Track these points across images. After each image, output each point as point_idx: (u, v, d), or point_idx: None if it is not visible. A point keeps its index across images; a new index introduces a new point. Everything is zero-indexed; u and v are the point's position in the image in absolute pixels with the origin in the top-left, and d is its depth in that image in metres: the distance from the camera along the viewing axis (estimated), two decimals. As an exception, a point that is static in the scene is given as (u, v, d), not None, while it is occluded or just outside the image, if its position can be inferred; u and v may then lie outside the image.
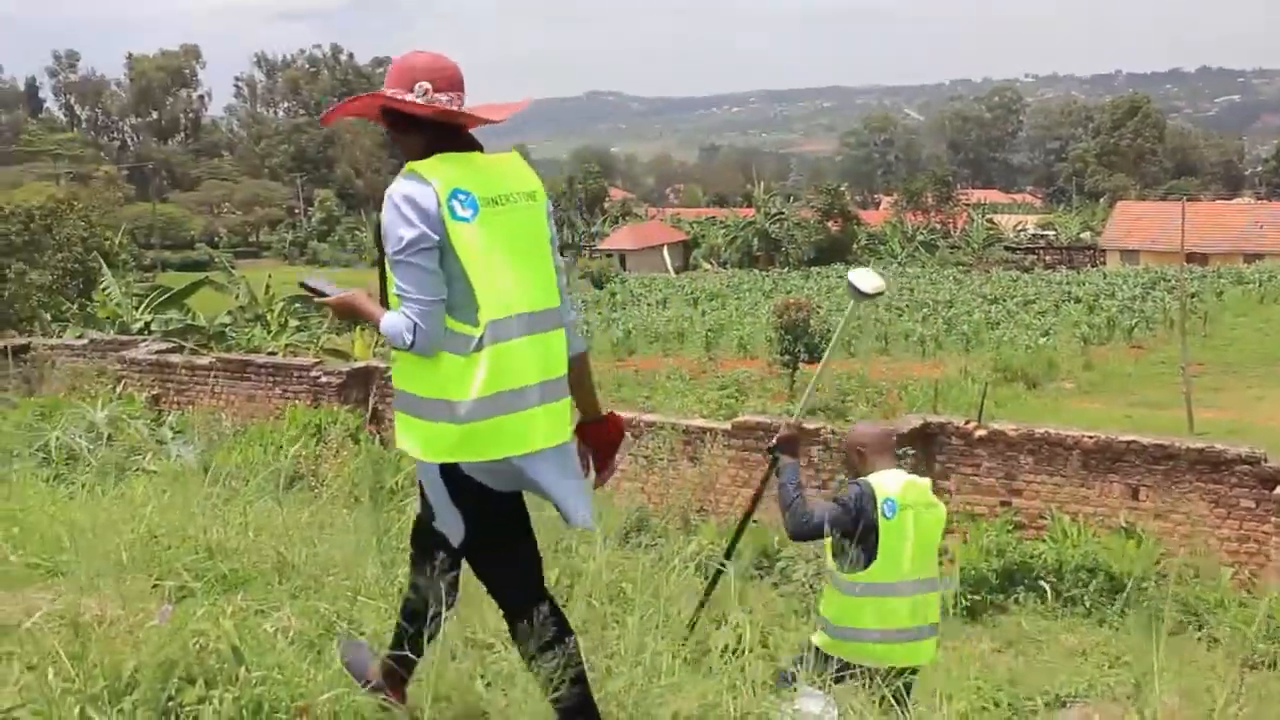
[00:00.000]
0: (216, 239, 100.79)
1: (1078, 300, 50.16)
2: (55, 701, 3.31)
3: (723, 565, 6.25)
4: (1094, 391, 31.88)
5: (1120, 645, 12.21)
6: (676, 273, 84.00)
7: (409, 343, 3.33)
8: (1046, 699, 10.54)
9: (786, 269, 77.97)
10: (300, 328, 34.41)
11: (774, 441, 6.10)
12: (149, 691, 3.44)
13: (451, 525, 3.50)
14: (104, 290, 32.45)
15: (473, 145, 3.60)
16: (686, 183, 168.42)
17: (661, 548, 13.47)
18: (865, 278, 5.73)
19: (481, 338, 3.31)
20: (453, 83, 3.54)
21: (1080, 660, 11.94)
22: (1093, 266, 72.94)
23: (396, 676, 3.71)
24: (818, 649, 5.76)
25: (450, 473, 3.41)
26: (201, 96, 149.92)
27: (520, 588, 3.68)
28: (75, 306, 35.09)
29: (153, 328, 30.20)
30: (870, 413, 26.12)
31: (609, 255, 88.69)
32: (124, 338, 26.04)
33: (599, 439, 3.76)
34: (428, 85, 3.47)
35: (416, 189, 3.35)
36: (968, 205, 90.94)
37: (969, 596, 13.84)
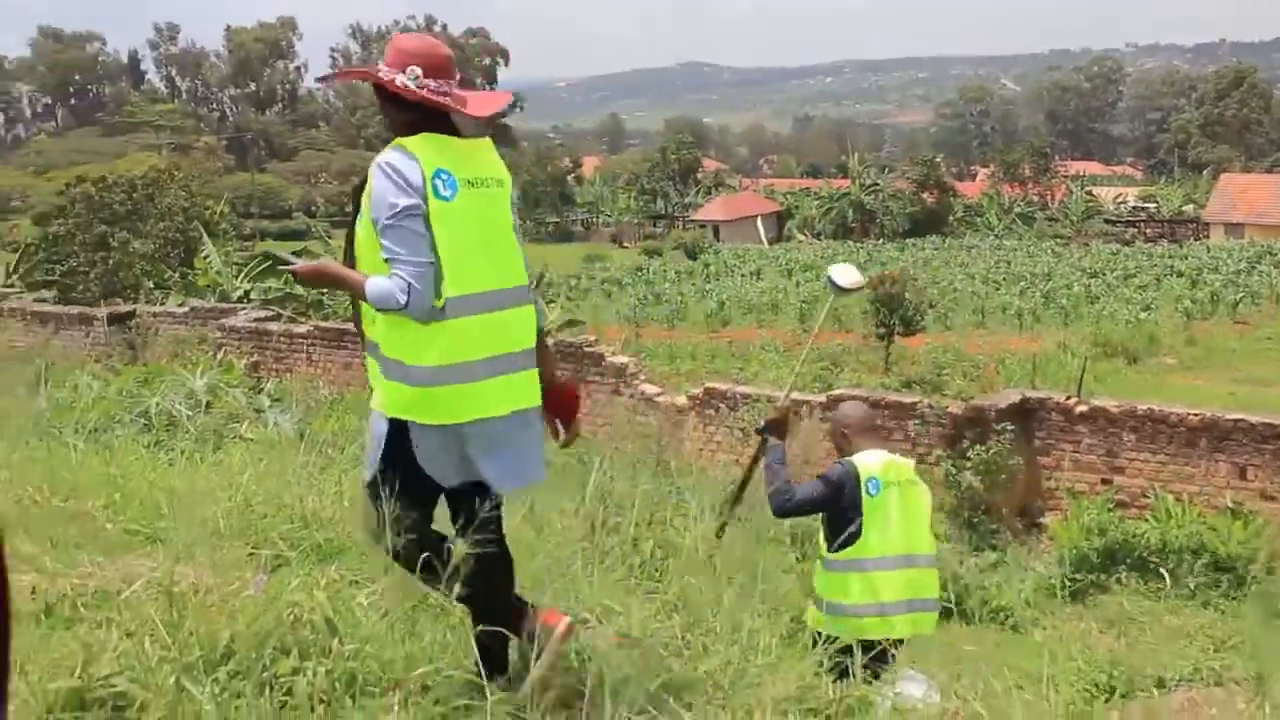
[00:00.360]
0: (313, 208, 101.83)
1: (1180, 274, 49.04)
2: (152, 670, 3.30)
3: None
4: (1196, 367, 31.20)
5: (1226, 629, 11.93)
6: (770, 244, 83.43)
7: (403, 303, 3.49)
8: (1150, 681, 10.32)
9: (881, 241, 77.20)
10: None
11: (762, 422, 6.28)
12: (244, 662, 3.42)
13: (373, 464, 3.70)
14: (204, 258, 32.87)
15: (454, 131, 3.75)
16: (780, 153, 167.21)
17: (758, 522, 13.44)
18: (844, 273, 6.24)
19: (444, 309, 3.53)
20: (442, 69, 3.73)
21: (1185, 643, 11.69)
22: (1195, 240, 71.39)
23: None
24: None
25: (396, 431, 3.61)
26: (298, 68, 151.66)
27: (423, 532, 3.74)
28: (177, 275, 35.59)
29: (252, 296, 30.57)
30: (967, 387, 25.75)
31: (702, 226, 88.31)
32: (224, 305, 26.43)
33: (557, 406, 3.98)
34: (418, 70, 3.67)
35: (405, 162, 3.57)
36: (1066, 177, 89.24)
37: (1071, 577, 13.60)
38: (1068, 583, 13.56)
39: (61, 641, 3.65)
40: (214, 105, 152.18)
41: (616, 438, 17.31)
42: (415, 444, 3.58)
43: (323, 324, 23.78)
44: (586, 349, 20.30)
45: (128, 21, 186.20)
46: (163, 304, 30.22)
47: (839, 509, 5.86)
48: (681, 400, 18.41)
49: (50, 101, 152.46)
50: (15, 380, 10.70)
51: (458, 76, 3.78)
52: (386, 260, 3.52)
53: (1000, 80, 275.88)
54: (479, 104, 3.85)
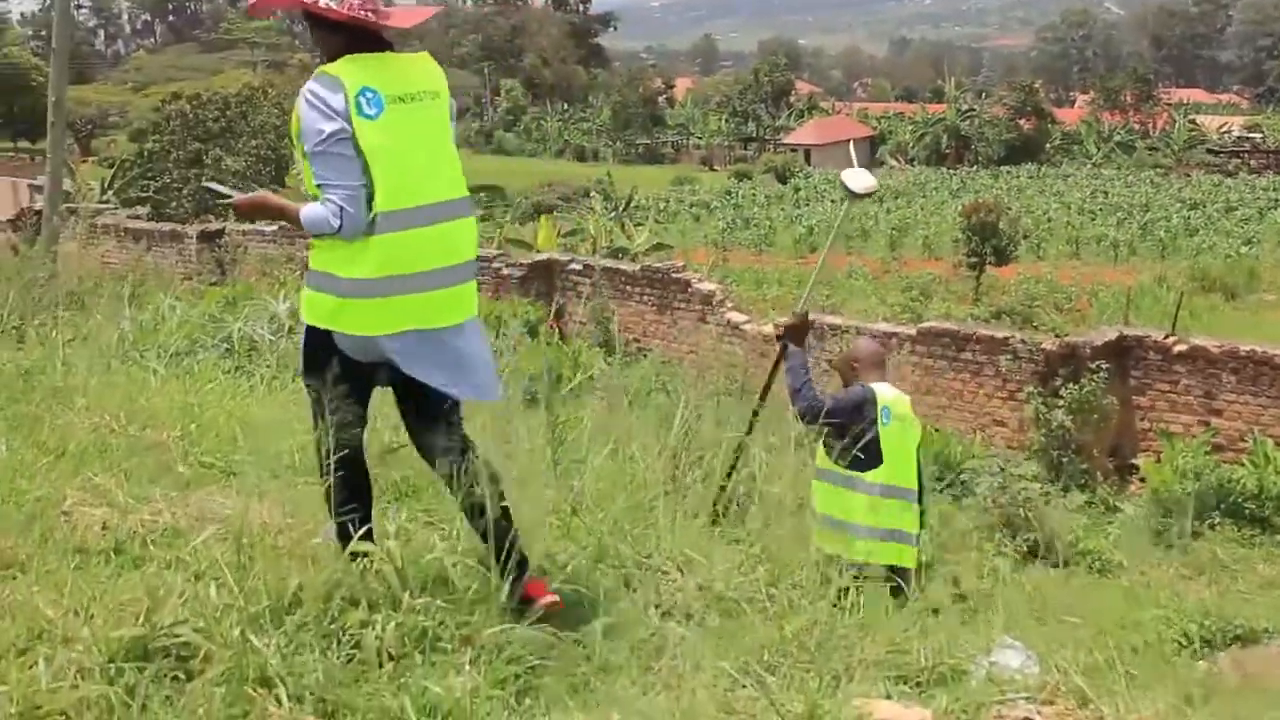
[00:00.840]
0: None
1: (1284, 207, 47.77)
2: (217, 619, 3.19)
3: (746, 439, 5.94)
4: (1298, 305, 30.37)
5: (1324, 579, 11.60)
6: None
7: (336, 227, 3.56)
8: (1240, 632, 10.04)
9: (975, 168, 75.99)
10: (484, 217, 34.69)
11: (781, 330, 6.25)
12: (311, 612, 3.31)
13: (305, 365, 3.88)
14: (294, 176, 33.02)
15: (386, 46, 3.78)
16: (874, 77, 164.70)
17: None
18: (857, 177, 5.97)
19: (375, 224, 3.56)
20: None
21: (1279, 593, 11.37)
22: (1303, 171, 69.34)
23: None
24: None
25: (320, 338, 3.73)
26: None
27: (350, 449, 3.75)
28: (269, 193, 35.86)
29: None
30: (1059, 319, 25.25)
31: (793, 150, 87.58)
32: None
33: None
34: None
35: (328, 88, 3.58)
36: (1168, 105, 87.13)
37: (1162, 521, 13.27)
38: (1158, 527, 13.23)
39: (129, 584, 3.56)
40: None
41: (701, 366, 17.16)
42: (343, 348, 3.68)
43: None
44: (673, 275, 20.10)
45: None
46: (253, 221, 30.40)
47: (857, 427, 5.84)
48: (768, 329, 18.14)
49: (149, 18, 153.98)
50: (105, 298, 10.73)
51: None
52: (318, 186, 3.61)
53: (1104, 3, 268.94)
54: (402, 18, 3.85)
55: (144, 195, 37.90)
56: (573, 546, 4.20)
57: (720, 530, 4.91)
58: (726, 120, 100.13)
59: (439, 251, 3.70)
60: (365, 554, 3.59)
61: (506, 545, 3.64)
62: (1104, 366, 15.21)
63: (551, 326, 20.01)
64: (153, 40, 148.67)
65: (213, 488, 4.80)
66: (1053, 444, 15.12)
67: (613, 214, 38.68)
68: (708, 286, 19.78)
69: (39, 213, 16.23)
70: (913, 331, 16.49)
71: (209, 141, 39.60)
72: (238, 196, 4.06)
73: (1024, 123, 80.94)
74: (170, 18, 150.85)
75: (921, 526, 6.31)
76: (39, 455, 4.97)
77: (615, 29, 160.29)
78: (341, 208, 3.53)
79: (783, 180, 72.30)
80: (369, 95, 3.57)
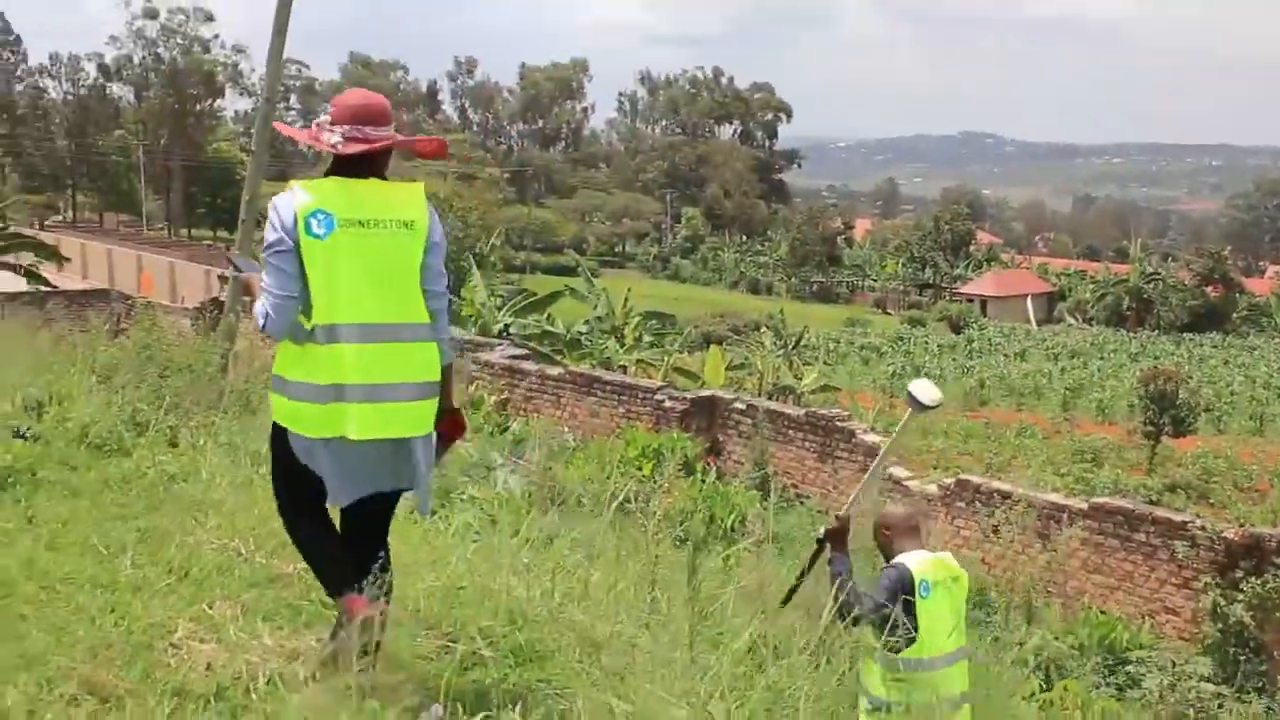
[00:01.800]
0: (585, 246, 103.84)
1: None
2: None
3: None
4: None
5: None
6: (1038, 325, 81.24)
7: (262, 326, 3.91)
8: None
9: (1157, 332, 74.15)
10: (653, 344, 34.71)
11: (822, 533, 6.29)
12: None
13: (276, 479, 4.21)
14: (471, 288, 33.46)
15: (375, 173, 4.05)
16: (1057, 232, 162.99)
17: (999, 629, 12.60)
18: (925, 390, 6.14)
19: (313, 333, 3.84)
20: (365, 117, 4.02)
21: None
22: None
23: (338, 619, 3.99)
24: None
25: (280, 435, 4.01)
26: (585, 109, 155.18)
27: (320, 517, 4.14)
28: (444, 304, 36.38)
29: (512, 330, 30.94)
30: (1237, 498, 24.09)
31: (969, 300, 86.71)
32: (481, 339, 26.74)
33: (445, 427, 4.18)
34: (347, 126, 4.00)
35: (284, 202, 3.87)
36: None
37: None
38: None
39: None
40: (501, 139, 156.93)
41: (860, 522, 16.65)
42: (293, 448, 3.95)
43: (575, 370, 23.75)
44: (838, 423, 19.66)
45: (431, 54, 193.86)
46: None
47: (890, 611, 5.70)
48: (932, 489, 17.55)
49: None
50: (265, 403, 10.74)
51: (385, 124, 4.05)
52: (263, 290, 3.91)
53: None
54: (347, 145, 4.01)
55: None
56: (702, 741, 3.84)
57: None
58: (904, 264, 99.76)
59: (379, 369, 3.88)
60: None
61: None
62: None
63: (709, 464, 19.70)
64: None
65: (328, 626, 4.56)
66: (1229, 641, 14.17)
67: (781, 351, 38.42)
68: (872, 438, 19.27)
69: (222, 304, 16.53)
70: (1084, 505, 15.75)
71: (394, 249, 40.55)
72: (245, 274, 4.34)
73: (1210, 290, 78.91)
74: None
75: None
76: (161, 575, 4.84)
77: (800, 166, 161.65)
78: (268, 312, 3.87)
79: (957, 330, 71.54)
80: (320, 217, 3.82)
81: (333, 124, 4.02)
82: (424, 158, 4.58)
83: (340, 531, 4.18)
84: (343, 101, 4.08)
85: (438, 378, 4.05)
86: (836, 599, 5.76)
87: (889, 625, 5.63)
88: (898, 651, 5.73)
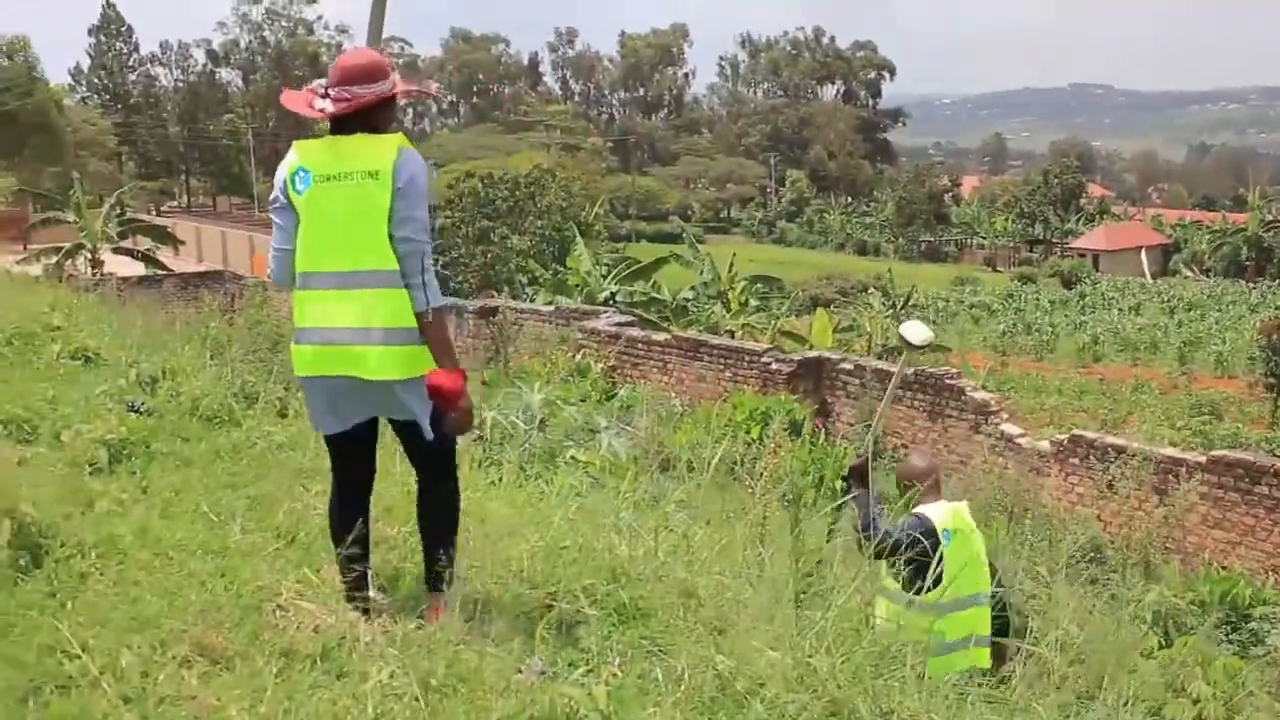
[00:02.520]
0: (689, 213, 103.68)
1: None
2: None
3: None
4: None
5: None
6: (1153, 278, 79.53)
7: (267, 274, 4.40)
8: None
9: (1277, 282, 72.07)
10: (760, 308, 34.59)
11: (846, 470, 6.70)
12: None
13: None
14: (576, 258, 33.59)
15: (369, 128, 4.25)
16: (1171, 182, 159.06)
17: (1116, 587, 12.38)
18: (915, 330, 6.41)
19: (296, 282, 4.24)
20: (337, 79, 4.25)
21: None
22: None
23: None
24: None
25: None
26: (686, 74, 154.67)
27: (343, 477, 4.48)
28: (549, 272, 36.55)
29: (618, 298, 31.01)
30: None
31: (1081, 255, 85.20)
32: (587, 307, 26.82)
33: (430, 387, 4.18)
34: (324, 83, 4.30)
35: (282, 164, 4.28)
36: None
37: None
38: None
39: (323, 700, 3.38)
40: (603, 108, 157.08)
41: (970, 480, 16.46)
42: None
43: (681, 335, 23.73)
44: (947, 381, 19.42)
45: (531, 25, 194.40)
46: (532, 301, 31.00)
47: (917, 556, 5.99)
48: (1044, 445, 17.28)
49: (455, 99, 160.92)
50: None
51: (357, 83, 4.22)
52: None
53: None
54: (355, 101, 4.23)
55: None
56: (805, 696, 3.80)
57: (976, 689, 4.43)
58: (1013, 221, 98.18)
59: (327, 313, 4.16)
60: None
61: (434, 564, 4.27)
62: None
63: (817, 425, 19.59)
64: (457, 119, 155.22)
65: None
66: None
67: (890, 311, 38.06)
68: (982, 396, 19.01)
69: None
70: (1202, 459, 15.40)
71: (497, 220, 40.77)
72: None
73: (1334, 237, 76.66)
74: (474, 99, 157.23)
75: (1004, 618, 6.46)
76: (269, 540, 4.93)
77: (904, 125, 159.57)
78: (269, 264, 4.39)
79: (1068, 285, 70.33)
80: (301, 174, 4.19)
81: (326, 89, 4.27)
82: (409, 98, 4.87)
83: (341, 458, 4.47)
84: (335, 64, 4.32)
85: (402, 323, 4.12)
86: (862, 530, 6.14)
87: (904, 566, 5.92)
88: (919, 594, 5.83)
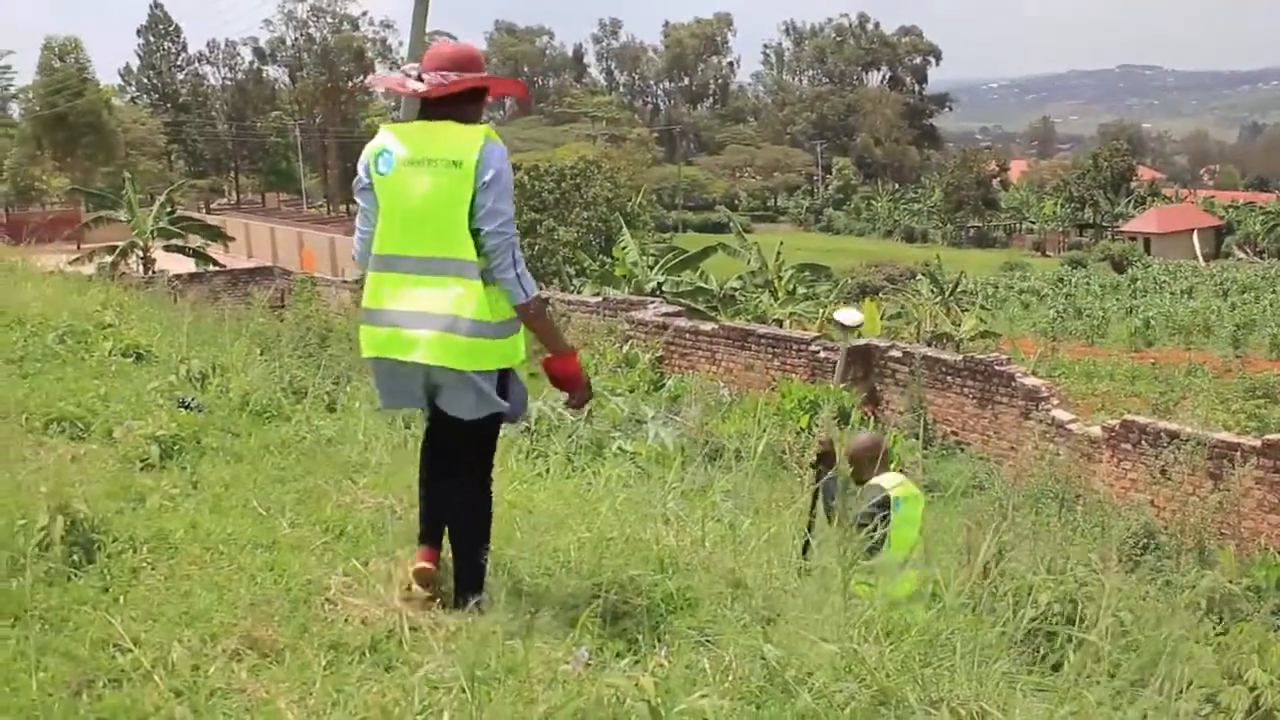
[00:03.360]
0: (736, 202, 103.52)
1: None
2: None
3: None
4: None
5: None
6: (1205, 260, 78.75)
7: (353, 254, 4.62)
8: None
9: (1334, 262, 71.15)
10: (808, 296, 34.50)
11: (814, 458, 7.42)
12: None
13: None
14: (622, 249, 33.61)
15: (456, 116, 4.28)
16: (1223, 163, 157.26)
17: (1170, 573, 12.27)
18: (846, 315, 7.93)
19: (371, 263, 4.31)
20: (432, 65, 4.32)
21: None
22: None
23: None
24: None
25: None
26: (731, 63, 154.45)
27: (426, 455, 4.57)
28: (596, 263, 36.57)
29: (664, 289, 31.00)
30: None
31: (1132, 238, 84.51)
32: (635, 298, 26.82)
33: (548, 373, 4.46)
34: (418, 69, 4.32)
35: (369, 147, 4.34)
36: None
37: None
38: None
39: (371, 693, 3.41)
40: (648, 98, 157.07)
41: (1021, 466, 16.36)
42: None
43: (728, 324, 23.71)
44: (997, 367, 19.30)
45: (575, 17, 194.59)
46: (579, 292, 31.04)
47: (876, 525, 6.29)
48: (1096, 430, 17.14)
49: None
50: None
51: (467, 69, 4.31)
52: None
53: None
54: (429, 89, 4.27)
55: (480, 262, 39.29)
56: (853, 684, 3.79)
57: (1027, 677, 4.39)
58: (1062, 205, 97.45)
59: (398, 297, 4.22)
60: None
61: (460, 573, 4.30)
62: None
63: (866, 413, 19.52)
64: (501, 113, 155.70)
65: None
66: None
67: (939, 298, 37.87)
68: (1033, 381, 18.88)
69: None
70: (1257, 443, 15.22)
71: (544, 212, 40.84)
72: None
73: (1391, 216, 75.57)
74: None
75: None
76: (318, 534, 4.95)
77: (951, 110, 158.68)
78: (355, 245, 4.48)
79: (1120, 269, 69.78)
80: (385, 156, 4.24)
81: (420, 73, 4.29)
82: (499, 95, 4.91)
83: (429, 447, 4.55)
84: (431, 51, 4.40)
85: (468, 314, 4.13)
86: (831, 509, 6.75)
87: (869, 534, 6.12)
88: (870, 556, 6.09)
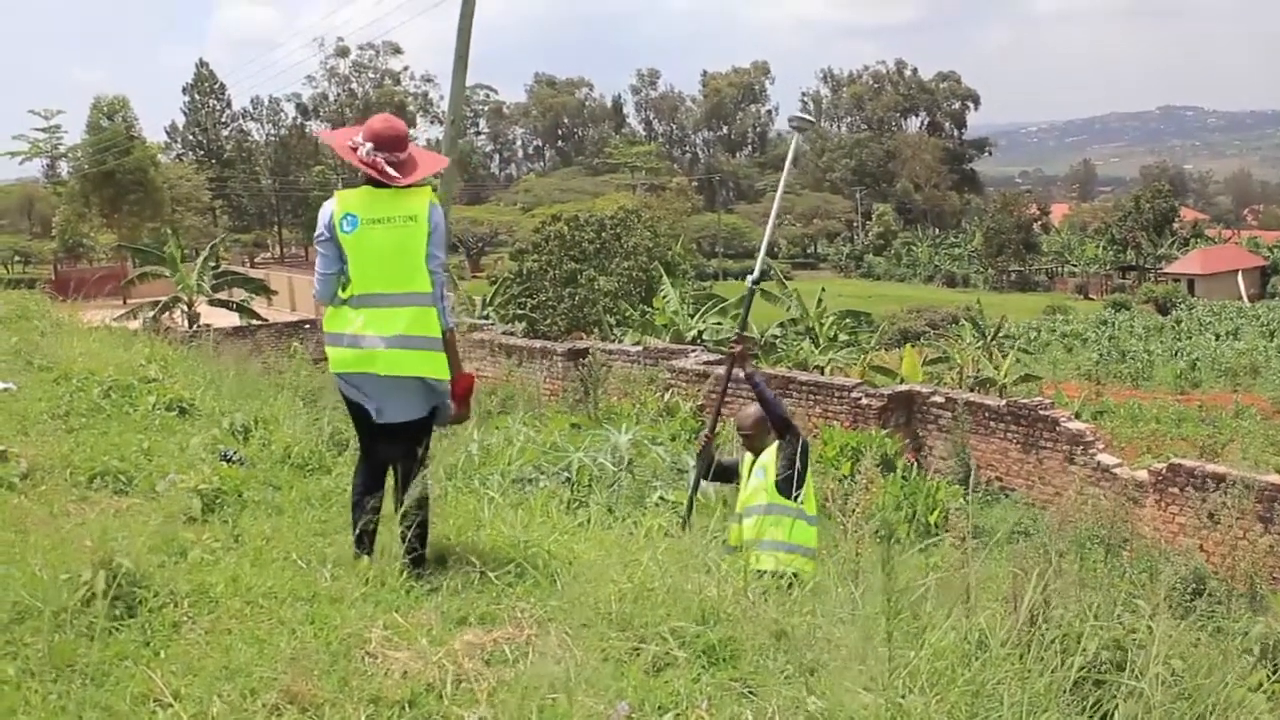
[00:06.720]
0: (776, 249, 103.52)
1: None
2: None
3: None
4: None
5: None
6: (1251, 301, 77.99)
7: (314, 294, 5.63)
8: None
9: (1382, 302, 70.37)
10: (849, 343, 34.38)
11: (734, 353, 8.64)
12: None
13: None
14: (663, 298, 33.63)
15: (391, 183, 5.33)
16: (1266, 203, 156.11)
17: (1221, 619, 12.08)
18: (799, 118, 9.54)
19: (348, 300, 5.28)
20: (384, 143, 5.35)
21: None
22: None
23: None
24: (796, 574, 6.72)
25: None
26: (769, 111, 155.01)
27: (370, 465, 5.52)
28: (636, 313, 36.59)
29: (704, 336, 30.96)
30: None
31: (1176, 280, 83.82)
32: (675, 346, 26.77)
33: (453, 389, 5.44)
34: (370, 145, 5.31)
35: (327, 207, 5.36)
36: None
37: None
38: None
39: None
40: (687, 147, 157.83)
41: (1066, 511, 16.17)
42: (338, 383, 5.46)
43: (769, 371, 23.62)
44: (1040, 411, 19.14)
45: (614, 68, 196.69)
46: (619, 341, 31.06)
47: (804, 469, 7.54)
48: (1142, 474, 16.94)
49: (540, 143, 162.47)
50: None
51: (405, 149, 5.42)
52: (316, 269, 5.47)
53: None
54: (412, 172, 5.41)
55: (521, 312, 39.42)
56: (899, 737, 3.75)
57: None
58: (1104, 248, 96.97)
59: (380, 324, 5.20)
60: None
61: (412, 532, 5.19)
62: None
63: (909, 460, 19.39)
64: (542, 164, 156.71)
65: (525, 632, 4.58)
66: None
67: (981, 343, 37.67)
68: (1077, 426, 18.70)
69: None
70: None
71: (584, 262, 40.91)
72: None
73: None
74: (559, 143, 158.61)
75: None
76: (358, 585, 4.95)
77: (990, 154, 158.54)
78: (316, 285, 5.46)
79: (1163, 311, 69.23)
80: (349, 218, 5.26)
81: (366, 144, 5.32)
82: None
83: (383, 454, 5.45)
84: (377, 131, 5.39)
85: (432, 333, 5.28)
86: (776, 410, 8.00)
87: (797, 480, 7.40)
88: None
